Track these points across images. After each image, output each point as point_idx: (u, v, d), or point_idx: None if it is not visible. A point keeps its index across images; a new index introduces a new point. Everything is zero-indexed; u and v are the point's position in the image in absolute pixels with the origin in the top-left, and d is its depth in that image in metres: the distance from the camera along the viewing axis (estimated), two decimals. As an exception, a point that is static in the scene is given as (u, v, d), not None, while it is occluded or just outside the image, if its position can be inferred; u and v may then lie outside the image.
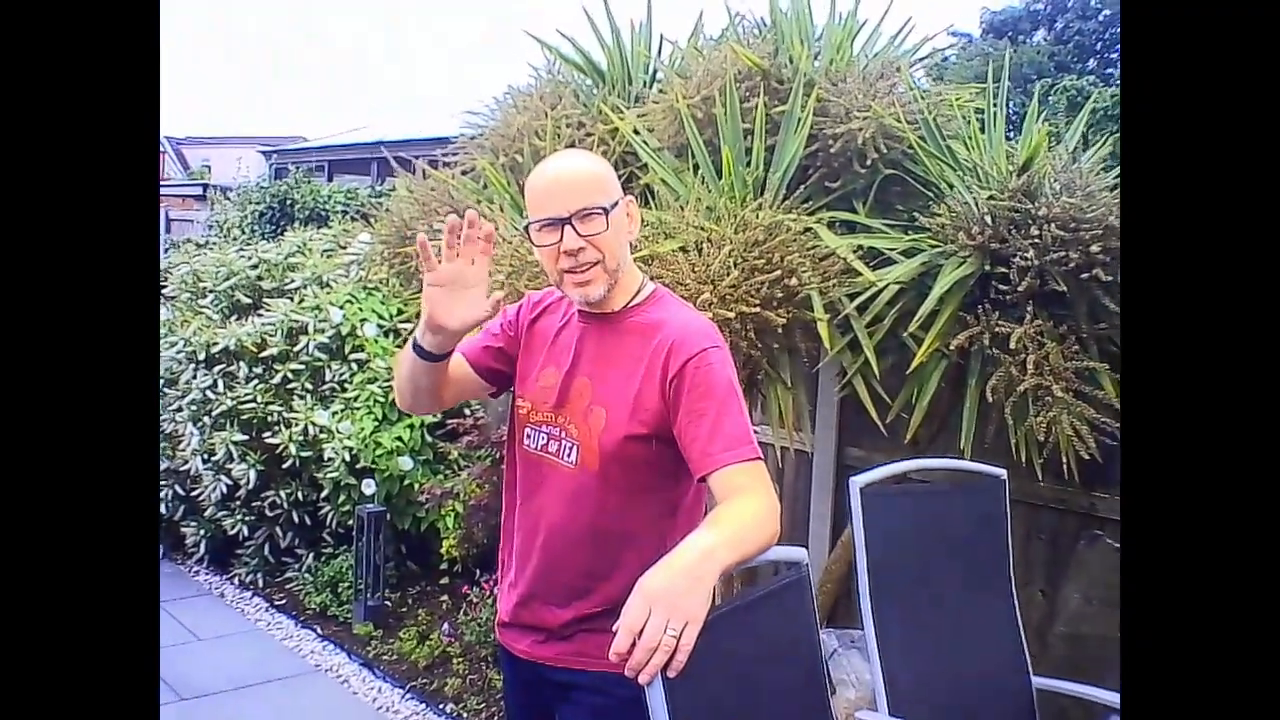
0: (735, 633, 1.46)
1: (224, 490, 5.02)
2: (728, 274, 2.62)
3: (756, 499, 1.61)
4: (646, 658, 1.30)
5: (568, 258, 1.83)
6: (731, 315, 2.52)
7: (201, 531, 5.30)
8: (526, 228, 1.89)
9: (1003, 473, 2.49)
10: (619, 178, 1.95)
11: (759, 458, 1.70)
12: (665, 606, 1.31)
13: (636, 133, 3.29)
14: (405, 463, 4.74)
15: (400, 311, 5.30)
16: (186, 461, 5.16)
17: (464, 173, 3.82)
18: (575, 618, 1.90)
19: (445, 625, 4.38)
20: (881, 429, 2.86)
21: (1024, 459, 2.69)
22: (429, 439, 4.93)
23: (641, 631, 1.31)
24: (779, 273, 2.63)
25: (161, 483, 5.37)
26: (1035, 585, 3.22)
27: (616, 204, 1.84)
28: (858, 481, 2.29)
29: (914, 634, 2.30)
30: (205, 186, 9.75)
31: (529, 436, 1.96)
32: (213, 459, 5.02)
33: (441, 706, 3.94)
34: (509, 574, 2.02)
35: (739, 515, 1.56)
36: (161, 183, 13.39)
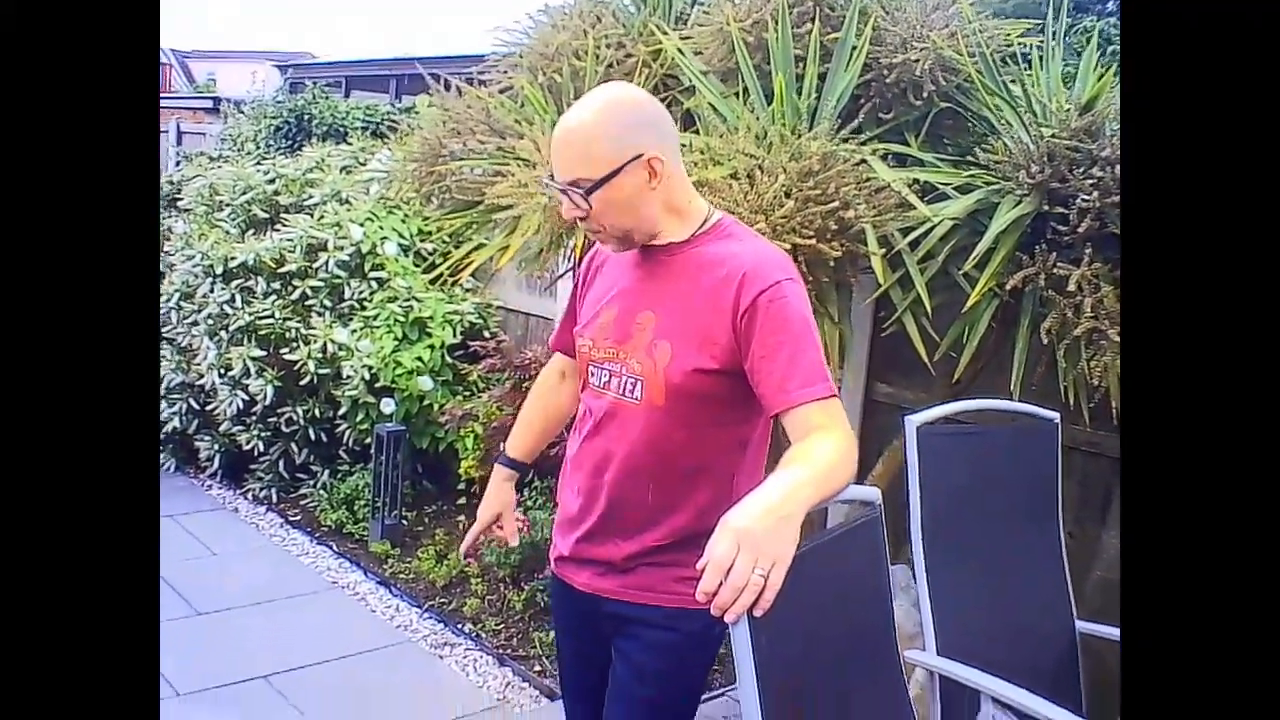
0: (815, 571, 1.43)
1: (240, 405, 4.99)
2: (781, 204, 2.57)
3: (835, 437, 1.58)
4: (734, 597, 1.27)
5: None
6: (786, 247, 2.47)
7: (216, 446, 5.29)
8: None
9: (1056, 416, 2.46)
10: (661, 101, 1.89)
11: (835, 395, 1.67)
12: (753, 546, 1.28)
13: (682, 54, 3.21)
14: (425, 383, 4.72)
15: (421, 231, 5.25)
16: (202, 376, 5.14)
17: (501, 91, 3.73)
18: (639, 551, 1.88)
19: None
20: (930, 368, 2.83)
21: (1072, 402, 2.66)
22: (449, 360, 4.90)
23: (729, 571, 1.27)
24: (834, 204, 2.58)
25: (176, 396, 5.36)
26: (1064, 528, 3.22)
27: (620, 170, 1.74)
28: (913, 420, 2.26)
29: (963, 575, 2.29)
30: (218, 100, 9.57)
31: (592, 375, 1.93)
32: (229, 374, 4.99)
33: (460, 626, 3.96)
34: (570, 510, 2.00)
35: (821, 454, 1.52)
36: (172, 95, 13.18)
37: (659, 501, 1.86)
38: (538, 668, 3.68)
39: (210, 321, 5.09)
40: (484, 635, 3.89)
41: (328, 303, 5.00)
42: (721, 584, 1.27)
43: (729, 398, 1.79)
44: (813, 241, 2.54)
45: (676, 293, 1.83)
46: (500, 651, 3.78)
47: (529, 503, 4.25)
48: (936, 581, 2.24)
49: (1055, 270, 2.55)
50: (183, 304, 5.30)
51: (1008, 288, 2.60)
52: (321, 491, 5.02)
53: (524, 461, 2.26)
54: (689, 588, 1.85)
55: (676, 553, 1.86)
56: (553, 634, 3.71)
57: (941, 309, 2.84)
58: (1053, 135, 2.63)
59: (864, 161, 2.77)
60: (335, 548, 4.66)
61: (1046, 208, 2.64)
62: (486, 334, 5.09)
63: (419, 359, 4.76)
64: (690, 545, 1.82)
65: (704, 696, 2.07)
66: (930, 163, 2.90)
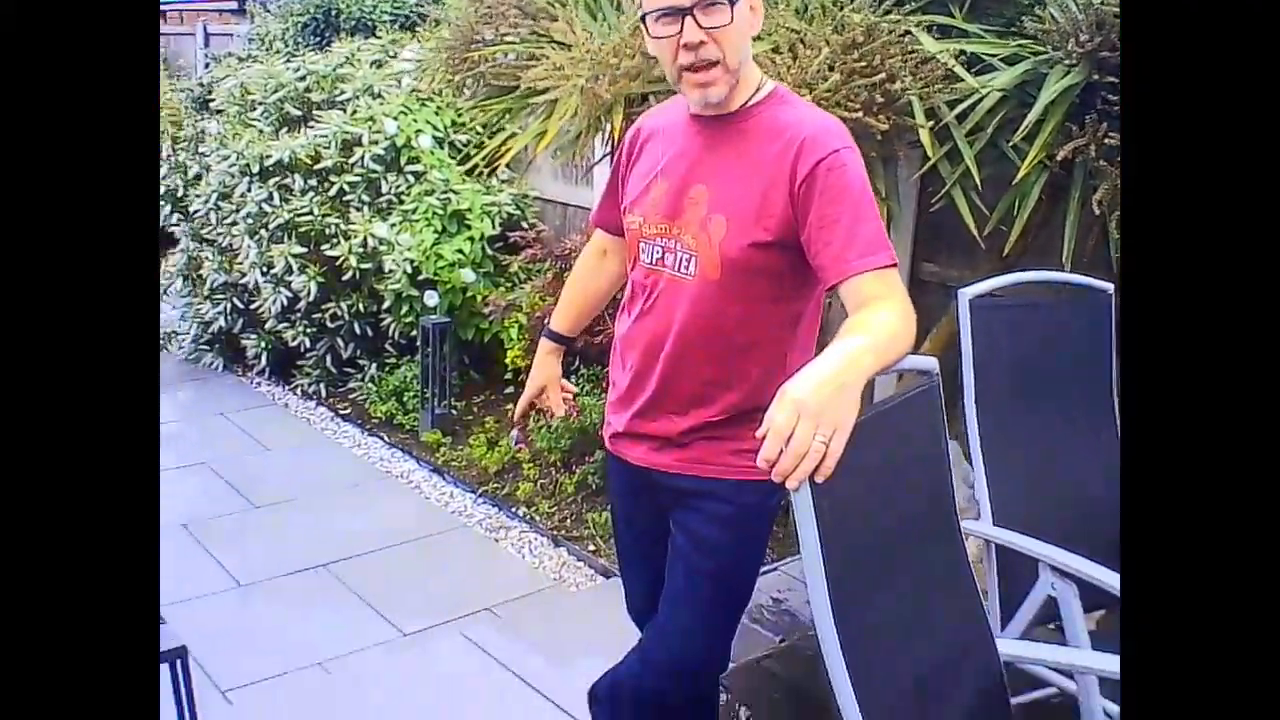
0: (875, 439, 1.45)
1: (284, 303, 5.05)
2: (825, 78, 2.53)
3: (894, 306, 1.58)
4: (795, 464, 1.28)
5: (687, 52, 1.75)
6: (832, 121, 2.44)
7: (262, 344, 5.37)
8: (643, 18, 1.81)
9: (1109, 286, 2.45)
10: None
11: (895, 264, 1.66)
12: (814, 413, 1.28)
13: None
14: (467, 275, 4.74)
15: (455, 123, 5.21)
16: (244, 275, 5.18)
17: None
18: (694, 425, 1.91)
19: (514, 432, 4.44)
20: (980, 242, 2.80)
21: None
22: (489, 252, 4.91)
23: (789, 439, 1.28)
24: (880, 77, 2.53)
25: (220, 296, 5.43)
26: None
27: None
28: (966, 293, 2.26)
29: (1018, 446, 2.31)
30: (243, 0, 9.42)
31: (643, 252, 1.92)
32: (271, 272, 5.03)
33: (514, 510, 4.05)
34: (623, 388, 2.02)
35: (881, 322, 1.53)
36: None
37: (713, 377, 1.88)
38: (591, 548, 3.77)
39: (250, 220, 5.11)
40: (538, 518, 3.98)
41: (365, 198, 5.00)
42: (782, 451, 1.28)
43: (784, 271, 1.79)
44: (858, 115, 2.51)
45: (730, 164, 1.81)
46: (554, 533, 3.87)
47: (576, 389, 4.30)
48: (991, 452, 2.26)
49: (1106, 140, 2.50)
50: (221, 204, 5.33)
51: (1058, 159, 2.56)
52: (370, 385, 5.10)
53: (567, 335, 2.30)
54: (746, 460, 1.89)
55: (732, 426, 1.89)
56: (605, 515, 3.82)
57: (990, 182, 2.81)
58: (1101, 2, 2.55)
59: (909, 33, 2.71)
60: (386, 439, 4.75)
61: (1096, 77, 2.57)
62: (525, 225, 5.09)
63: (459, 251, 4.77)
64: (745, 420, 1.85)
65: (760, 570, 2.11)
66: (975, 34, 2.83)
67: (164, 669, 2.36)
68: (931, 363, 1.66)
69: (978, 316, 2.27)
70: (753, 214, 1.76)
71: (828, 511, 1.34)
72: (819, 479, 1.30)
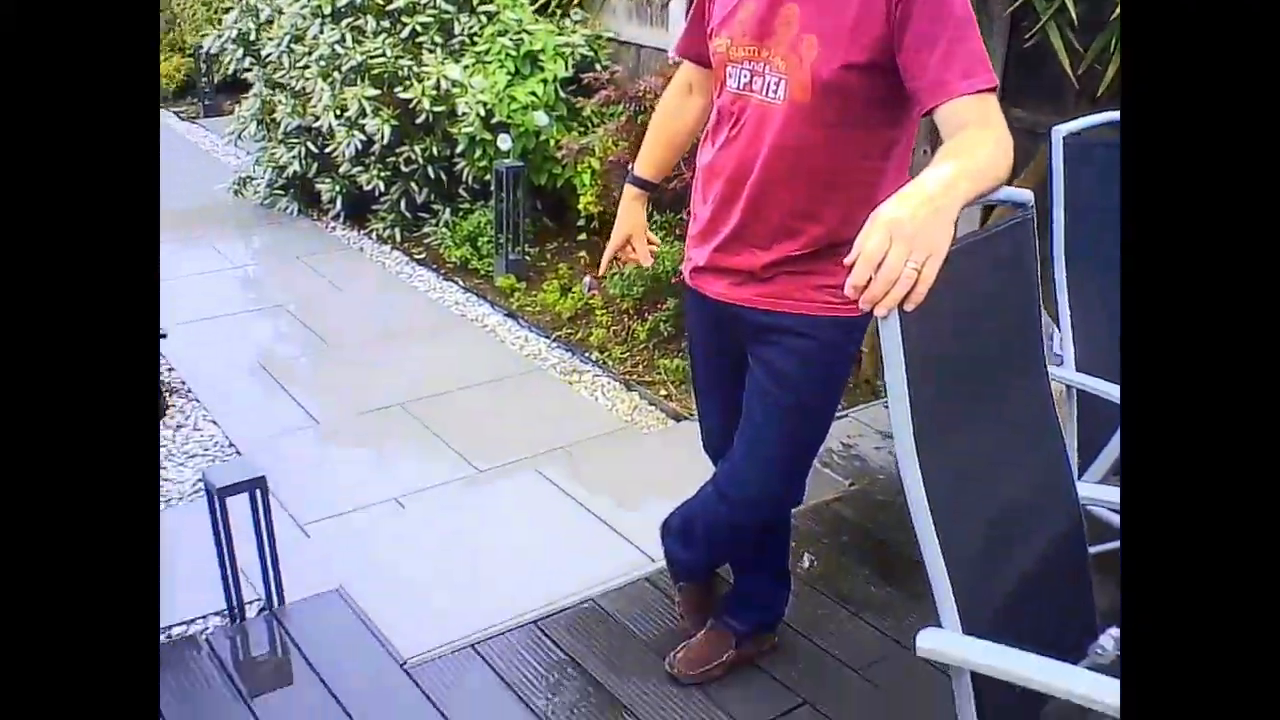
0: (966, 269, 1.40)
1: (358, 146, 5.03)
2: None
3: (992, 132, 1.51)
4: (885, 290, 1.22)
5: None
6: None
7: (336, 188, 5.36)
8: None
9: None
10: None
11: (995, 86, 1.59)
12: (907, 238, 1.22)
13: None
14: (540, 118, 4.67)
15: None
16: (318, 118, 5.15)
17: None
18: (777, 259, 1.87)
19: (587, 278, 4.45)
20: (1074, 82, 2.68)
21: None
22: (563, 95, 4.83)
23: (881, 263, 1.23)
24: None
25: (294, 140, 5.41)
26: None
27: None
28: (1060, 130, 2.17)
29: (1104, 289, 2.24)
30: None
31: (730, 76, 1.85)
32: (345, 115, 5.00)
33: (587, 355, 4.07)
34: (705, 220, 1.98)
35: (978, 147, 1.46)
36: None
37: (800, 208, 1.83)
38: (663, 392, 3.79)
39: (323, 63, 5.06)
40: (610, 363, 3.99)
41: (438, 39, 4.92)
42: (872, 278, 1.24)
43: (878, 95, 1.72)
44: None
45: None
46: (627, 378, 3.89)
47: (659, 241, 4.26)
48: (1077, 295, 2.20)
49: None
50: (294, 46, 5.27)
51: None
52: (444, 229, 5.10)
53: (652, 180, 2.24)
54: (828, 296, 1.86)
55: (815, 261, 1.85)
56: (677, 361, 3.82)
57: (1086, 21, 2.67)
58: None
59: None
60: (461, 283, 4.77)
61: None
62: (599, 66, 4.97)
63: (532, 94, 4.69)
64: (829, 254, 1.81)
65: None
66: None
67: (244, 499, 2.44)
68: (1027, 195, 1.59)
69: (1071, 155, 2.18)
70: (847, 33, 1.68)
71: (915, 342, 1.31)
72: (909, 307, 1.25)
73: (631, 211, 2.26)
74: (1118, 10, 2.48)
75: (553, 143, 4.72)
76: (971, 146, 1.47)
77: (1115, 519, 2.21)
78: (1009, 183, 1.52)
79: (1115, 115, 2.33)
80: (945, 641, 1.38)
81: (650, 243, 2.30)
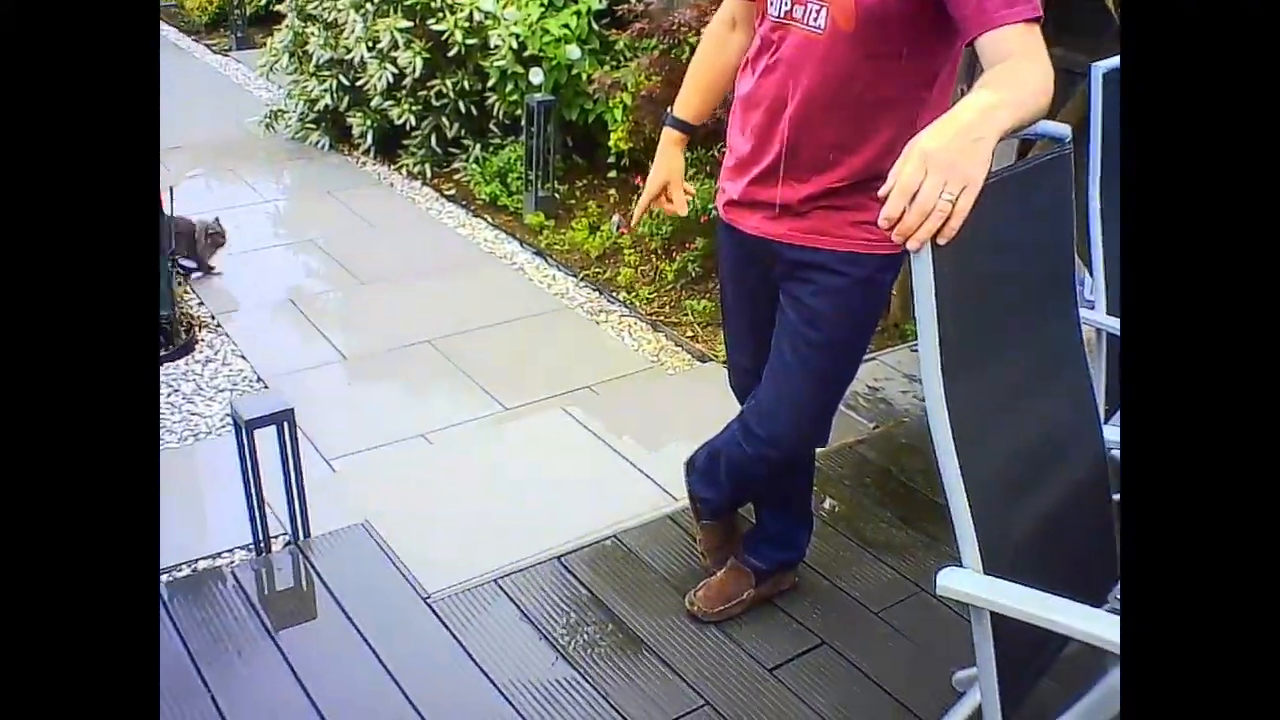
0: (1001, 203, 1.37)
1: (389, 79, 4.99)
2: None
3: (1034, 63, 1.47)
4: (919, 222, 1.20)
5: None
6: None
7: (368, 122, 5.33)
8: None
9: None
10: None
11: (1039, 16, 1.54)
12: (943, 168, 1.19)
13: None
14: (573, 51, 4.60)
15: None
16: (350, 51, 5.11)
17: None
18: (814, 194, 1.84)
19: (616, 217, 4.42)
20: (1115, 15, 2.61)
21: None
22: (595, 28, 4.76)
23: (916, 194, 1.20)
24: None
25: (326, 74, 5.38)
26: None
27: None
28: (1100, 66, 2.11)
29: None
30: None
31: (771, 4, 1.80)
32: (377, 47, 4.95)
33: (614, 295, 4.05)
34: (742, 152, 1.94)
35: (1019, 77, 1.42)
36: None
37: (839, 140, 1.79)
38: (689, 334, 3.77)
39: (355, -6, 5.02)
40: (637, 303, 3.97)
41: (471, -31, 4.86)
42: (906, 209, 1.21)
43: (920, 24, 1.68)
44: None
45: None
46: (653, 318, 3.87)
47: (695, 189, 4.20)
48: (1111, 235, 2.15)
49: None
50: (326, -23, 5.22)
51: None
52: (474, 165, 5.07)
53: (693, 123, 2.17)
54: (864, 232, 1.83)
55: (852, 195, 1.81)
56: (704, 303, 3.80)
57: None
58: None
59: None
60: (490, 220, 4.75)
61: None
62: (632, -1, 4.89)
63: (565, 26, 4.63)
64: (867, 188, 1.77)
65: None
66: None
67: (271, 432, 2.45)
68: (1065, 130, 1.55)
69: (1109, 94, 2.12)
70: None
71: (948, 277, 1.28)
72: (942, 240, 1.23)
73: (670, 155, 2.18)
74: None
75: (585, 77, 4.66)
76: (1012, 77, 1.43)
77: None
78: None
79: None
80: (966, 581, 1.37)
81: (686, 192, 2.23)
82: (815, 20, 1.73)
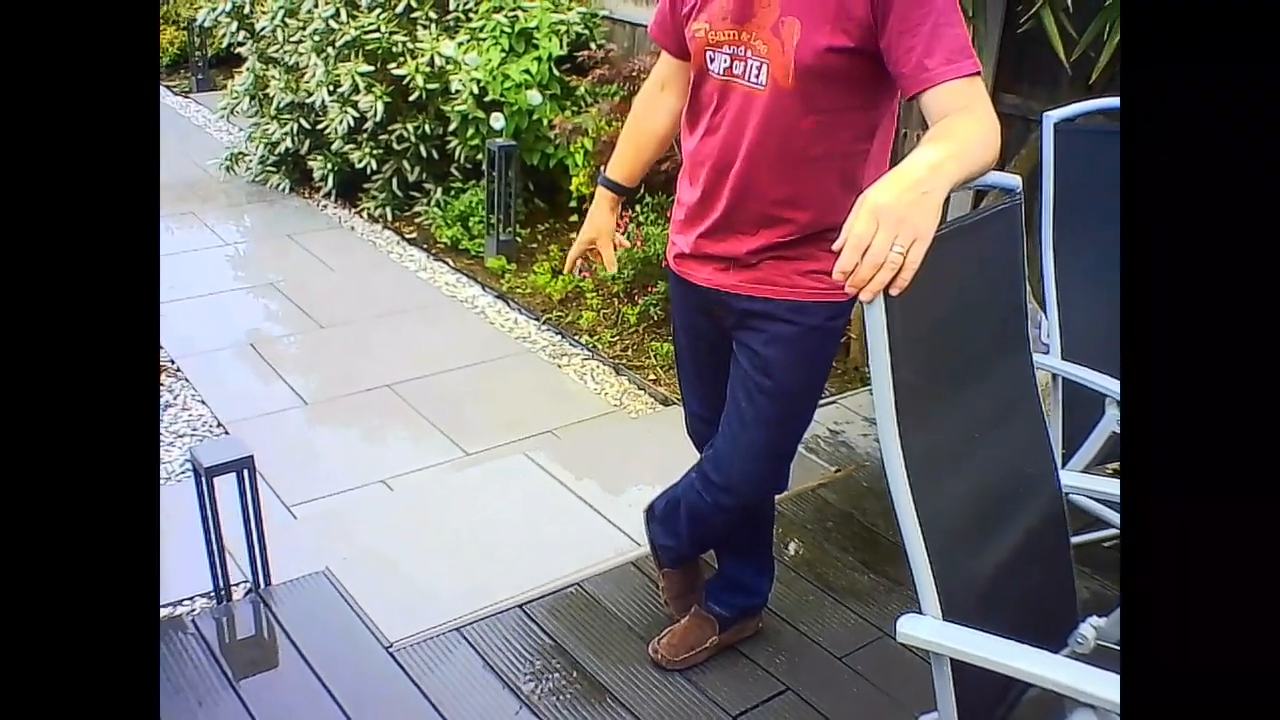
0: (952, 254, 1.39)
1: (350, 123, 4.99)
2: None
3: (978, 118, 1.50)
4: (872, 274, 1.22)
5: None
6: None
7: (329, 165, 5.33)
8: None
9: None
10: None
11: (979, 71, 1.57)
12: (894, 222, 1.22)
13: None
14: (533, 97, 4.64)
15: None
16: (311, 94, 5.12)
17: None
18: (763, 246, 1.86)
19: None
20: (1067, 68, 2.67)
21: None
22: (556, 73, 4.80)
23: (868, 248, 1.23)
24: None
25: (287, 117, 5.37)
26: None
27: None
28: (1051, 116, 2.16)
29: (1091, 277, 2.23)
30: None
31: (711, 61, 1.83)
32: (338, 91, 4.97)
33: (576, 338, 4.05)
34: (690, 207, 1.96)
35: (965, 131, 1.45)
36: None
37: (784, 194, 1.82)
38: (652, 377, 3.78)
39: (316, 38, 5.03)
40: (600, 347, 3.98)
41: (433, 15, 4.89)
42: (859, 263, 1.23)
43: (860, 79, 1.70)
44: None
45: None
46: (616, 361, 3.88)
47: (640, 218, 4.24)
48: (1065, 284, 2.19)
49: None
50: (287, 21, 5.23)
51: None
52: (435, 209, 5.08)
53: (624, 184, 2.19)
54: (813, 281, 1.85)
55: (801, 247, 1.84)
56: (667, 345, 3.81)
57: (1081, 6, 2.65)
58: None
59: None
60: (451, 264, 4.75)
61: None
62: (593, 45, 4.95)
63: (526, 72, 4.66)
64: (814, 240, 1.80)
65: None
66: None
67: (231, 479, 2.43)
68: (1015, 180, 1.58)
69: (1061, 142, 2.17)
70: (830, 17, 1.66)
71: (900, 327, 1.30)
72: (894, 291, 1.25)
73: (601, 213, 2.21)
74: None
75: (546, 122, 4.69)
76: (958, 131, 1.46)
77: (1098, 509, 2.20)
78: (1000, 168, 1.51)
79: (1108, 102, 2.32)
80: (925, 628, 1.38)
81: (617, 246, 2.25)
82: (757, 77, 1.76)
